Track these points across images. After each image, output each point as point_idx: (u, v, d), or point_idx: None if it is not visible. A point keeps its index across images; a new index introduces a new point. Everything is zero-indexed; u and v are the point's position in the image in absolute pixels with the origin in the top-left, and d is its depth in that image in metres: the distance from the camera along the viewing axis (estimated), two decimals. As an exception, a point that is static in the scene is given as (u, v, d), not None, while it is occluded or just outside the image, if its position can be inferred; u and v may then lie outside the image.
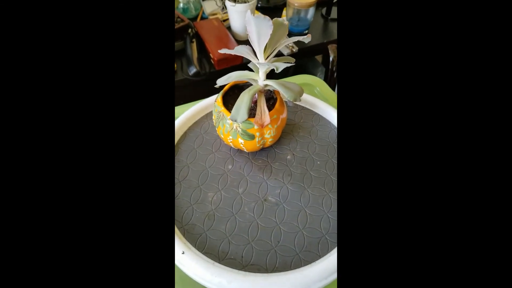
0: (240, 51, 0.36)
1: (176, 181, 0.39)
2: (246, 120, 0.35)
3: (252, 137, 0.37)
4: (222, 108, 0.37)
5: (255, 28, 0.31)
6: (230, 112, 0.35)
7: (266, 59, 0.34)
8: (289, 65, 0.31)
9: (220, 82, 0.37)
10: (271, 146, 0.43)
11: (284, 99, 0.39)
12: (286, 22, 0.33)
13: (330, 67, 0.77)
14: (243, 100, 0.35)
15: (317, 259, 0.33)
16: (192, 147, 0.43)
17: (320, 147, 0.43)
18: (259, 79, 0.36)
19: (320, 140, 0.44)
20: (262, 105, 0.36)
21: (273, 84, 0.35)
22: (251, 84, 0.37)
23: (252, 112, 0.37)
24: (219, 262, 0.33)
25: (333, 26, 0.91)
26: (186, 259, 0.32)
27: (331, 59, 0.75)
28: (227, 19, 0.87)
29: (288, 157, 0.42)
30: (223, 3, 0.85)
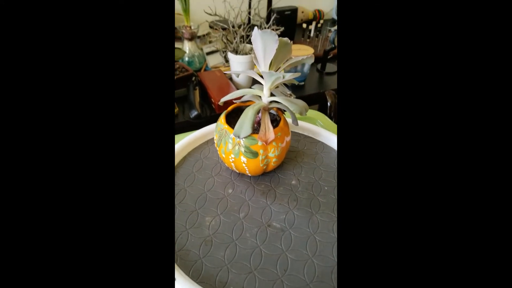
0: (246, 73, 0.37)
1: (171, 204, 0.36)
2: (250, 136, 0.34)
3: (255, 154, 0.35)
4: (225, 126, 0.36)
5: (261, 42, 0.32)
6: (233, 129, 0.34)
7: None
8: (294, 76, 0.31)
9: (224, 99, 0.36)
10: (274, 171, 0.41)
11: (287, 119, 0.39)
12: (290, 42, 0.34)
13: (328, 112, 0.79)
14: (247, 116, 0.34)
15: (332, 290, 0.28)
16: (191, 171, 0.40)
17: (326, 173, 0.41)
18: (264, 96, 0.36)
19: (326, 166, 0.42)
20: (267, 121, 0.35)
21: (278, 99, 0.35)
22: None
23: (255, 132, 0.36)
24: (216, 293, 0.28)
25: (328, 79, 0.96)
26: None
27: (328, 104, 0.78)
28: (229, 71, 0.92)
29: (293, 182, 0.39)
30: (226, 56, 0.92)
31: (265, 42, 0.32)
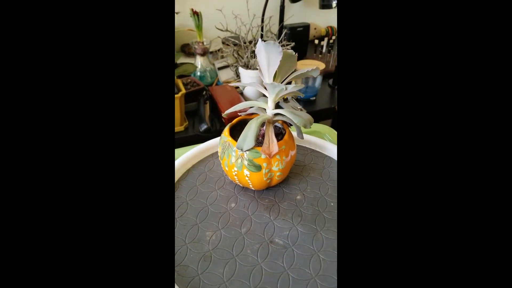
0: (251, 85, 0.37)
1: (172, 217, 0.35)
2: (253, 148, 0.33)
3: (258, 168, 0.34)
4: (229, 138, 0.35)
5: (264, 54, 0.32)
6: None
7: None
8: (297, 88, 0.31)
9: (228, 111, 0.36)
10: (278, 185, 0.40)
11: (293, 132, 0.38)
12: (294, 54, 0.34)
13: (339, 127, 0.77)
14: (251, 128, 0.34)
15: (335, 315, 0.26)
16: (194, 184, 0.40)
17: (333, 188, 0.39)
18: (268, 108, 0.35)
19: (333, 182, 0.40)
20: (271, 134, 0.35)
21: (282, 112, 0.34)
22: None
23: (259, 145, 0.35)
24: (212, 312, 0.26)
25: (340, 94, 0.95)
26: (172, 305, 0.26)
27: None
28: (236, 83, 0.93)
29: (298, 197, 0.38)
30: (237, 70, 0.93)
31: (268, 54, 0.32)
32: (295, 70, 0.35)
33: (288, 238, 0.33)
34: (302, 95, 0.37)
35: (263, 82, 0.34)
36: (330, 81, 1.00)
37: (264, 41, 0.31)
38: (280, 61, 0.32)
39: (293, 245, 0.32)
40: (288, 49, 0.93)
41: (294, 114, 0.33)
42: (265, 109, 0.36)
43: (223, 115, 0.38)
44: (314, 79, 0.90)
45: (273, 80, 0.34)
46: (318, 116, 0.92)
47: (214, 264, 0.30)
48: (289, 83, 0.34)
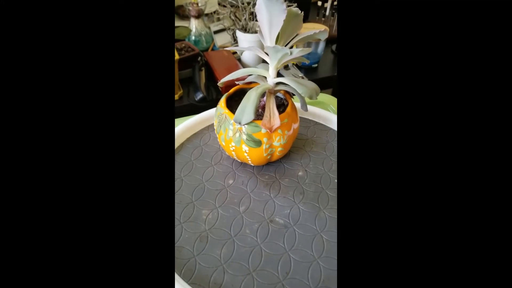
0: (250, 49, 0.33)
1: (165, 194, 0.33)
2: (252, 122, 0.30)
3: (258, 143, 0.31)
4: (225, 110, 0.32)
5: (266, 13, 0.27)
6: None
7: (277, 53, 0.30)
8: (305, 52, 0.27)
9: (224, 79, 0.33)
10: (279, 161, 0.37)
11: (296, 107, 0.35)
12: (300, 12, 0.30)
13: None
14: (250, 99, 0.30)
15: (339, 299, 0.25)
16: (189, 159, 0.37)
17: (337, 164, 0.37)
18: (269, 77, 0.32)
19: (337, 157, 0.38)
20: (272, 106, 0.31)
21: (285, 80, 0.30)
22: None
23: (259, 117, 0.32)
24: (209, 297, 0.25)
25: (344, 61, 0.90)
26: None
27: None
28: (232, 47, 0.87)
29: (300, 173, 0.36)
30: (234, 34, 0.87)
31: (271, 13, 0.27)
32: (299, 33, 0.31)
33: (289, 217, 0.31)
34: (307, 61, 0.33)
35: (263, 47, 0.30)
36: (333, 47, 0.94)
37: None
38: (284, 21, 0.27)
39: (295, 225, 0.30)
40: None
41: (298, 83, 0.30)
42: (265, 77, 0.33)
43: (218, 84, 0.34)
44: (317, 44, 0.84)
45: (276, 43, 0.30)
46: (321, 85, 0.88)
47: (211, 245, 0.29)
48: (291, 47, 0.30)
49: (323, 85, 0.89)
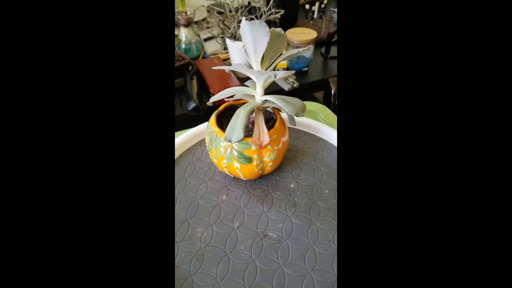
0: (237, 68, 0.33)
1: (160, 214, 0.34)
2: (242, 140, 0.31)
3: (249, 160, 0.32)
4: (216, 128, 0.33)
5: (250, 35, 0.28)
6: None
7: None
8: (287, 75, 0.28)
9: (213, 99, 0.33)
10: (271, 174, 0.38)
11: (284, 120, 0.35)
12: (283, 33, 0.30)
13: (332, 100, 0.74)
14: (239, 117, 0.31)
15: (332, 312, 0.26)
16: (182, 176, 0.38)
17: (328, 174, 0.38)
18: (257, 95, 0.32)
19: (327, 167, 0.39)
20: (261, 123, 0.32)
21: (272, 98, 0.31)
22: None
23: (249, 133, 0.33)
24: (206, 316, 0.26)
25: (333, 63, 0.91)
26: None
27: (332, 92, 0.73)
28: (228, 58, 0.88)
29: (292, 185, 0.37)
30: (224, 42, 0.87)
31: (255, 35, 0.28)
32: (284, 50, 0.32)
33: (283, 231, 0.32)
34: (293, 77, 0.34)
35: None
36: (323, 49, 0.95)
37: (250, 19, 0.27)
38: (268, 42, 0.28)
39: (288, 239, 0.31)
40: (276, 20, 0.86)
41: (285, 102, 0.31)
42: (253, 95, 0.33)
43: (208, 103, 0.35)
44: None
45: (261, 62, 0.31)
46: (311, 89, 0.89)
47: (207, 263, 0.29)
48: (275, 67, 0.31)
49: (314, 88, 0.90)
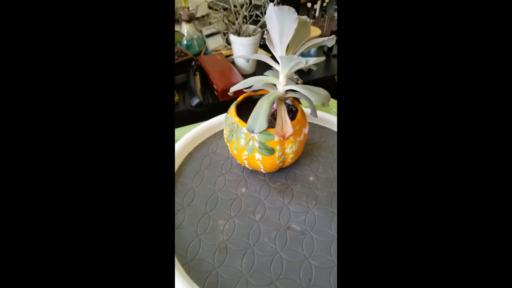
0: (257, 57, 0.33)
1: (179, 207, 0.33)
2: (265, 130, 0.30)
3: (271, 151, 0.31)
4: (237, 119, 0.32)
5: (277, 22, 0.28)
6: (246, 123, 0.30)
7: (287, 61, 0.30)
8: (319, 61, 0.27)
9: (233, 88, 0.32)
10: (290, 167, 0.37)
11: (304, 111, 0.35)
12: (308, 20, 0.30)
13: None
14: (262, 107, 0.30)
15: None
16: (199, 168, 0.37)
17: (347, 167, 0.37)
18: (279, 84, 0.32)
19: (345, 160, 0.38)
20: (283, 114, 0.31)
21: (297, 88, 0.31)
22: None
23: (270, 124, 0.32)
24: (236, 309, 0.25)
25: (335, 61, 0.91)
26: (193, 305, 0.24)
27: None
28: (231, 55, 0.87)
29: (311, 178, 0.36)
30: (227, 38, 0.86)
31: (282, 22, 0.27)
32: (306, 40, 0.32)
33: (305, 223, 0.31)
34: (314, 68, 0.33)
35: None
36: (325, 47, 0.95)
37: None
38: (295, 28, 0.28)
39: (312, 231, 0.31)
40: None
41: (310, 91, 0.30)
42: (274, 85, 0.33)
43: (229, 93, 0.34)
44: (309, 46, 0.85)
45: (286, 51, 0.30)
46: (315, 86, 0.89)
47: (231, 256, 0.28)
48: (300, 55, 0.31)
49: (317, 85, 0.90)
